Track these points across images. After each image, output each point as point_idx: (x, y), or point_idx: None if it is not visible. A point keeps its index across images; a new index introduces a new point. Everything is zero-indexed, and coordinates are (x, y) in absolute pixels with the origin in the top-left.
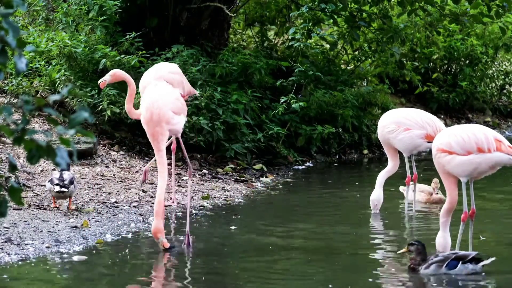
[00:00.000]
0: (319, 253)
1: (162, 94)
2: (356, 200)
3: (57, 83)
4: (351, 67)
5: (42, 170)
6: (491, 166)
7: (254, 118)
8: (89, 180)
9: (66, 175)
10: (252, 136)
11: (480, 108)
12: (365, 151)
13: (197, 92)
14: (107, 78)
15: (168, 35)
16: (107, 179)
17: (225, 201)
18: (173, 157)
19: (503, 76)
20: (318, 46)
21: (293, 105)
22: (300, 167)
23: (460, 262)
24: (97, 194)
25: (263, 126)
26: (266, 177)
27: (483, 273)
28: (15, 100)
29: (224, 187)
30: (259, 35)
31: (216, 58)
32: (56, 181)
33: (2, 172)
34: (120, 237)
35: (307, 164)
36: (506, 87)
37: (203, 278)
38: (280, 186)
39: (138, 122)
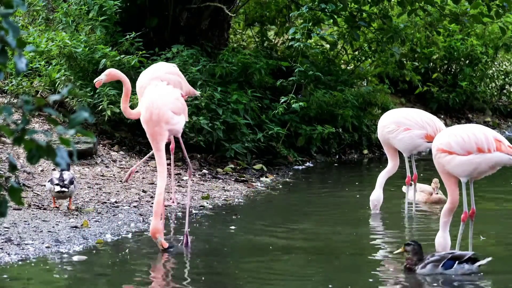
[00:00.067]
0: (319, 253)
1: (161, 94)
2: (356, 200)
3: (57, 83)
4: (351, 67)
5: (42, 170)
6: (491, 166)
7: (254, 118)
8: (89, 180)
9: (66, 175)
10: (252, 136)
11: (480, 108)
12: (365, 151)
13: (197, 93)
14: (102, 78)
15: (168, 35)
16: (107, 179)
17: (225, 201)
18: (172, 157)
19: (503, 76)
20: (318, 46)
21: (293, 105)
22: (300, 167)
23: (457, 262)
24: (97, 194)
25: (263, 126)
26: (266, 177)
27: (481, 273)
28: (15, 100)
29: (224, 187)
30: (259, 35)
31: (216, 58)
32: (56, 181)
33: (2, 172)
34: (120, 237)
35: (307, 164)
36: (506, 87)
37: (203, 278)
38: (280, 186)
39: (138, 122)
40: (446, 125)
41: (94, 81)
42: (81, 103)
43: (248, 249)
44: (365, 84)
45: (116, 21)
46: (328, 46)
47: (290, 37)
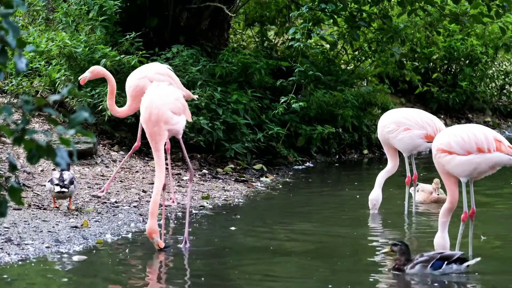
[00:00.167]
0: (319, 253)
1: (161, 94)
2: (356, 200)
3: (57, 83)
4: (351, 67)
5: (42, 170)
6: (491, 166)
7: (254, 118)
8: (89, 180)
9: (66, 175)
10: (252, 136)
11: (480, 108)
12: (365, 151)
13: (193, 96)
14: (87, 75)
15: (168, 35)
16: (107, 179)
17: (225, 201)
18: (168, 157)
19: (503, 76)
20: (318, 46)
21: (293, 105)
22: (300, 167)
23: (445, 262)
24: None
25: (263, 126)
26: (266, 177)
27: (481, 273)
28: (15, 100)
29: (224, 187)
30: (259, 35)
31: (216, 58)
32: (56, 181)
33: (2, 172)
34: (120, 237)
35: (307, 164)
36: (506, 87)
37: (203, 278)
38: (280, 186)
39: (138, 122)
40: (446, 125)
41: (79, 78)
42: (81, 103)
43: (248, 249)
44: (365, 84)
45: (116, 21)
46: (328, 46)
47: (290, 37)
